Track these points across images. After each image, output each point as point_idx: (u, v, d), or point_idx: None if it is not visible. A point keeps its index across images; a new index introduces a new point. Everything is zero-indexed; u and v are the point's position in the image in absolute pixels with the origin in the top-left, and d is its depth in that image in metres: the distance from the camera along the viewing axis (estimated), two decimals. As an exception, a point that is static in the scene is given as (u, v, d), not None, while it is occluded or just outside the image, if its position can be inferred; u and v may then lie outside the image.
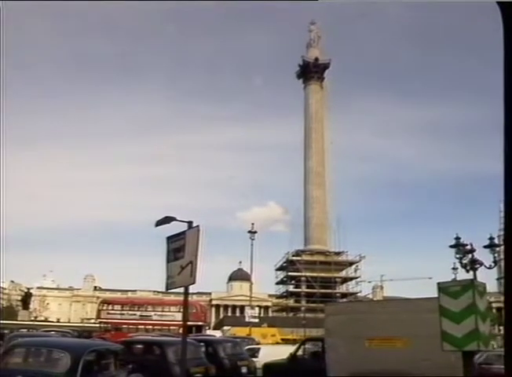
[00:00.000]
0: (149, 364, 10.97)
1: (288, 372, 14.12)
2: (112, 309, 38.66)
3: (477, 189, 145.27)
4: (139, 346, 12.92)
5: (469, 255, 24.68)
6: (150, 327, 35.32)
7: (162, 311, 37.91)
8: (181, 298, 9.24)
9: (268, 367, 15.37)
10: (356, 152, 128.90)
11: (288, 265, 74.67)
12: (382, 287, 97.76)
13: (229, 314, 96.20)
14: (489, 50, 75.01)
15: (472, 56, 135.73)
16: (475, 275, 24.41)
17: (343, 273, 76.15)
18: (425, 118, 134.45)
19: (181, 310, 34.57)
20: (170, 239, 9.22)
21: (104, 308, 39.51)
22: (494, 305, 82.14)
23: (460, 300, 7.20)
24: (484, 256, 24.92)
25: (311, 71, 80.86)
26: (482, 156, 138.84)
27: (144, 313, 37.53)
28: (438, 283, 7.64)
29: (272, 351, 18.26)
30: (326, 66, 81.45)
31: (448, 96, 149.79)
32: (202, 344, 14.18)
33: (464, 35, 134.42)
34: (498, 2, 2.26)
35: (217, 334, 35.49)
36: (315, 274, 71.80)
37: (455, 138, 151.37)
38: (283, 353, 17.19)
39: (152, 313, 37.50)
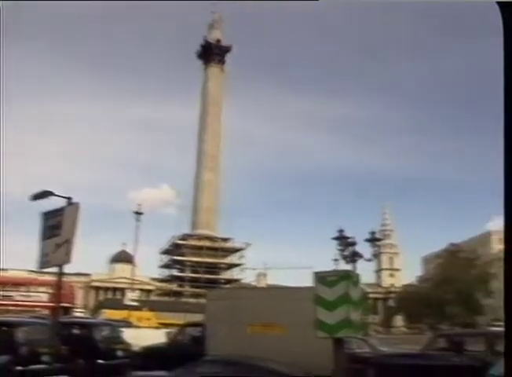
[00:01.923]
0: None
1: (166, 356, 13.96)
2: None
3: (366, 184, 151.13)
4: None
5: (351, 248, 26.19)
6: (12, 308, 33.11)
7: (28, 291, 35.80)
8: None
9: (147, 351, 15.11)
10: (252, 139, 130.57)
11: (174, 249, 74.15)
12: (265, 275, 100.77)
13: (110, 297, 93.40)
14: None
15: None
16: (355, 267, 25.99)
17: (229, 259, 77.30)
18: (321, 108, 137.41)
19: (48, 291, 32.99)
20: (46, 215, 8.59)
21: None
22: (371, 295, 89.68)
23: (335, 289, 7.51)
24: (366, 249, 26.73)
25: (212, 53, 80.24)
26: (368, 151, 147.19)
27: (6, 294, 35.11)
28: (315, 273, 7.90)
29: (136, 334, 18.07)
30: (227, 49, 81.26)
31: (342, 88, 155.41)
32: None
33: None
34: (498, 2, 2.29)
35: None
36: (200, 259, 72.06)
37: (345, 130, 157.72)
38: (147, 336, 17.83)
39: (14, 294, 35.23)
